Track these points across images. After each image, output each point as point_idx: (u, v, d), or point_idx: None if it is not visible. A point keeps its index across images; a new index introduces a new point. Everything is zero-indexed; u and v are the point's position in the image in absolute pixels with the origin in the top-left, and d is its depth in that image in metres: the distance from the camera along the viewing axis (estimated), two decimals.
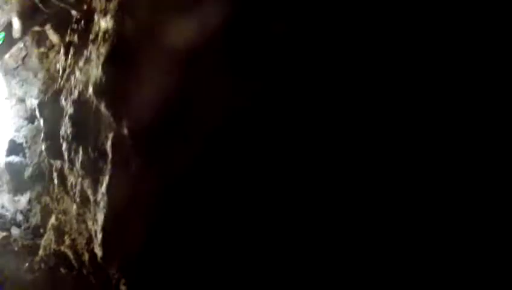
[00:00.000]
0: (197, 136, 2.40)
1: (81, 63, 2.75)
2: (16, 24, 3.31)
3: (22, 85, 4.19)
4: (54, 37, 3.80)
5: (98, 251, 2.56)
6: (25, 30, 3.60)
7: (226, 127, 2.31)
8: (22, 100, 4.18)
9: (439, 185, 2.09)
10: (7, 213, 4.12)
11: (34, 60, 4.27)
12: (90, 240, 2.84)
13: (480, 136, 2.02)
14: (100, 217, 2.44)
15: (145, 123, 2.27)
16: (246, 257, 2.43)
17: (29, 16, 3.45)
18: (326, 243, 2.27)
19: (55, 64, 3.76)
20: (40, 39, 4.14)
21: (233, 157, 2.38)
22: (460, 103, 2.04)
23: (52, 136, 2.97)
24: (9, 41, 3.75)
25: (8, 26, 3.75)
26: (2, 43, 3.77)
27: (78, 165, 2.56)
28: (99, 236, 2.48)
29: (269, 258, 2.39)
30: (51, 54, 4.18)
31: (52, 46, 4.13)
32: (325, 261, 2.28)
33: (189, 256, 2.55)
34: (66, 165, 2.72)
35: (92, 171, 2.46)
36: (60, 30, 3.56)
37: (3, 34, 3.74)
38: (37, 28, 3.71)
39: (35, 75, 4.17)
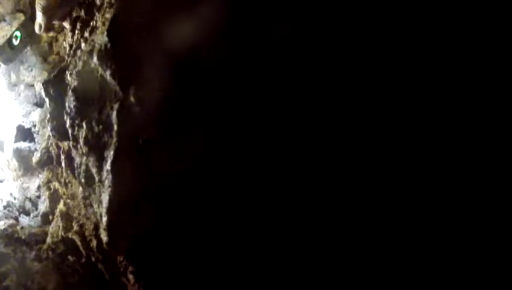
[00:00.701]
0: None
1: (86, 34, 2.40)
2: (40, 19, 2.90)
3: (31, 70, 3.87)
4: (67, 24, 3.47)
5: (104, 236, 2.21)
6: (48, 25, 3.16)
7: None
8: (30, 85, 3.84)
9: (439, 185, 2.01)
10: (15, 201, 3.76)
11: (43, 45, 3.96)
12: (97, 225, 2.49)
13: (480, 136, 1.93)
14: (105, 198, 2.09)
15: (155, 90, 1.93)
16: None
17: (55, 8, 3.03)
18: (325, 243, 2.17)
19: (64, 47, 3.45)
20: (51, 25, 3.83)
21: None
22: (460, 103, 1.94)
23: (58, 115, 2.61)
24: (27, 38, 3.44)
25: (25, 21, 3.46)
26: (20, 41, 3.46)
27: (81, 141, 2.20)
28: (104, 219, 2.13)
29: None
30: (61, 38, 3.87)
31: (62, 29, 3.82)
32: (325, 260, 2.17)
33: (203, 243, 2.23)
34: (71, 144, 2.36)
35: (96, 147, 2.11)
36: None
37: (19, 32, 3.42)
38: (57, 22, 3.32)
39: (45, 60, 3.85)
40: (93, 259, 2.89)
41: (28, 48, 3.82)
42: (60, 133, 2.64)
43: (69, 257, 3.14)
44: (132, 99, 1.97)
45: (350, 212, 2.15)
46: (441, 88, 2.02)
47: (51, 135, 2.90)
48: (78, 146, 2.26)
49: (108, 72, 2.06)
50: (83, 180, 2.29)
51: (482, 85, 1.97)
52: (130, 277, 2.33)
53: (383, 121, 2.09)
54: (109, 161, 2.04)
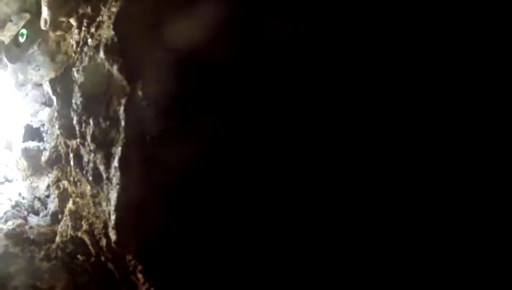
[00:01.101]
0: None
1: (93, 30, 2.31)
2: (45, 14, 2.83)
3: (39, 70, 3.79)
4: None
5: (112, 235, 2.12)
6: (54, 21, 3.07)
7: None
8: (38, 85, 3.77)
9: (438, 185, 1.98)
10: (24, 201, 3.70)
11: (51, 44, 3.88)
12: (106, 224, 2.40)
13: (480, 136, 1.90)
14: (113, 196, 2.00)
15: (163, 85, 1.84)
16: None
17: (61, 2, 2.93)
18: (326, 244, 2.13)
19: (72, 44, 3.37)
20: (58, 22, 3.76)
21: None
22: (460, 103, 1.90)
23: (65, 113, 2.54)
24: (33, 36, 3.38)
25: (31, 20, 3.40)
26: (26, 39, 3.40)
27: (89, 138, 2.12)
28: (113, 218, 2.04)
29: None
30: (69, 37, 3.79)
31: (70, 28, 3.75)
32: (325, 261, 2.13)
33: (211, 242, 2.15)
34: (79, 142, 2.28)
35: (104, 144, 2.02)
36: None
37: (25, 30, 3.35)
38: (63, 19, 3.23)
39: (52, 59, 3.78)
40: (102, 258, 2.81)
41: (36, 48, 3.76)
42: (68, 131, 2.56)
43: (79, 256, 3.06)
44: (140, 93, 1.88)
45: (352, 211, 2.10)
46: (441, 88, 1.98)
47: (59, 133, 2.83)
48: (86, 143, 2.17)
49: (115, 67, 1.98)
50: (90, 178, 2.21)
51: (482, 85, 1.93)
52: (140, 276, 2.25)
53: (383, 121, 2.04)
54: (117, 158, 1.94)
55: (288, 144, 2.10)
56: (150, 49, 1.98)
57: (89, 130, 2.11)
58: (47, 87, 3.53)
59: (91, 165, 2.17)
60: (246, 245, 2.18)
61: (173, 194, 2.08)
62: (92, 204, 2.52)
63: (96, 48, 2.12)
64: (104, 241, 2.65)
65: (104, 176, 2.08)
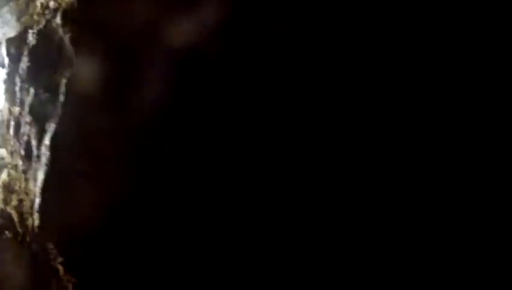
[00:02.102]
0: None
1: None
2: None
3: (3, 27, 3.48)
4: None
5: (35, 218, 1.85)
6: None
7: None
8: None
9: (438, 185, 1.86)
10: None
11: (20, 4, 3.59)
12: (33, 204, 2.13)
13: (480, 136, 1.80)
14: (40, 177, 1.74)
15: (116, 64, 1.59)
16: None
17: None
18: (323, 244, 1.95)
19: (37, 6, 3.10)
20: None
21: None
22: (460, 103, 1.81)
23: (13, 77, 2.26)
24: None
25: None
26: None
27: (27, 109, 1.84)
28: (37, 200, 1.78)
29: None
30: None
31: None
32: (323, 262, 1.94)
33: (152, 248, 1.92)
34: (19, 110, 2.01)
35: (40, 117, 1.75)
36: None
37: None
38: None
39: (19, 19, 3.48)
40: (28, 239, 2.55)
41: (6, 6, 3.47)
42: (12, 96, 2.29)
43: (6, 232, 2.79)
44: (86, 69, 1.62)
45: (348, 212, 1.96)
46: (441, 88, 1.85)
47: (4, 97, 2.56)
48: (23, 113, 1.90)
49: (68, 36, 1.71)
50: (23, 152, 1.93)
51: (482, 85, 1.80)
52: (60, 267, 1.98)
53: (382, 121, 1.90)
54: (49, 135, 1.68)
55: (281, 144, 1.92)
56: (112, 23, 1.73)
57: (29, 100, 1.84)
58: (3, 47, 3.24)
59: (25, 138, 1.90)
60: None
61: (112, 189, 1.82)
62: (23, 179, 2.24)
63: (55, 11, 1.86)
64: (30, 222, 2.38)
65: (35, 152, 1.80)
